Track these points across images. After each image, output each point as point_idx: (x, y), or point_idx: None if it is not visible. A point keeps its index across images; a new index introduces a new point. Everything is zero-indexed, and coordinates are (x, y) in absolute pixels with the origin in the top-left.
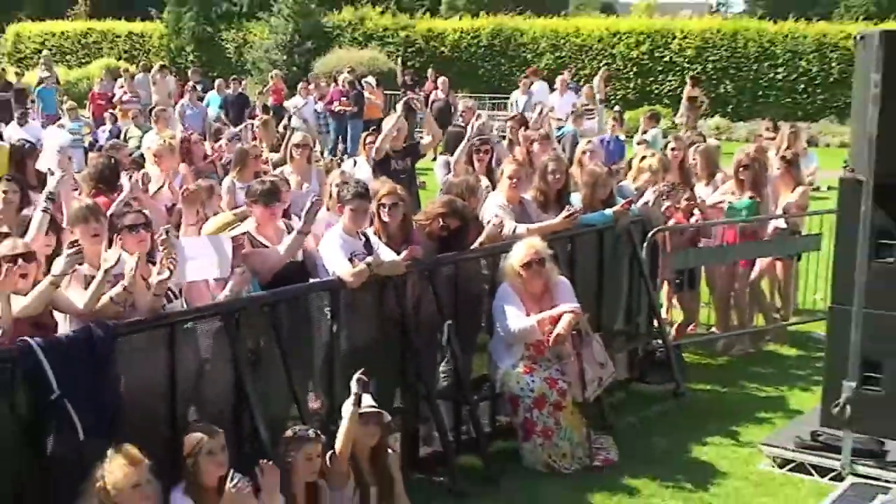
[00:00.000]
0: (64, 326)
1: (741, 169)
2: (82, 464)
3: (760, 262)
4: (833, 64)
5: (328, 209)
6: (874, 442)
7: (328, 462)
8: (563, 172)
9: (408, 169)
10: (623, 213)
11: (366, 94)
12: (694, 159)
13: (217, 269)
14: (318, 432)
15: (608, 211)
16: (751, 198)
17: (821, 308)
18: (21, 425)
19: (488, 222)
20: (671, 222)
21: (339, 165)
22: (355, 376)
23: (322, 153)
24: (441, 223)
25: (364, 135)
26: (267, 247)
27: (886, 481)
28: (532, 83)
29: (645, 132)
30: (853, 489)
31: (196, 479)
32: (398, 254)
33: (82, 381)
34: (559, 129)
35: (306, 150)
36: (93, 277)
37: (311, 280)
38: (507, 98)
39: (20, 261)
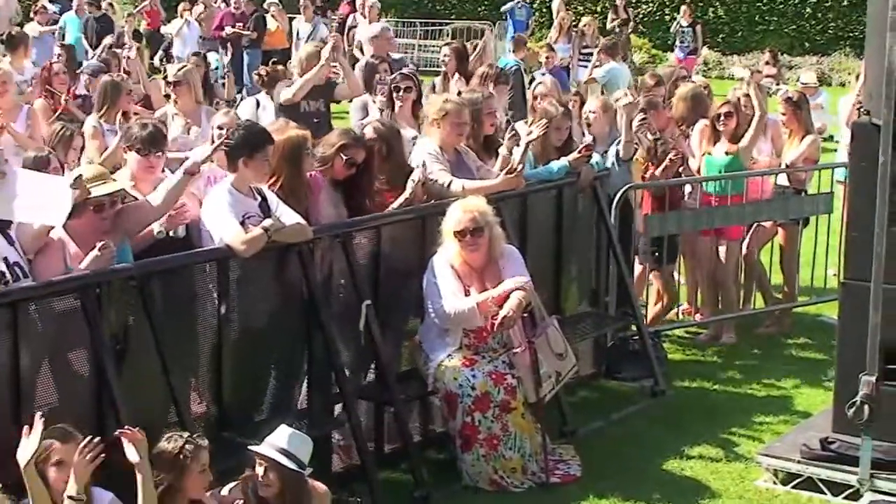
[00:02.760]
0: None
1: (723, 117)
2: None
3: (757, 230)
4: None
5: (212, 161)
6: None
7: None
8: (497, 113)
9: (321, 112)
10: (583, 163)
11: (269, 18)
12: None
13: (52, 214)
14: (204, 439)
15: (563, 160)
16: (728, 152)
17: (833, 286)
18: None
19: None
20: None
21: (234, 106)
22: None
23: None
24: (344, 158)
25: (265, 70)
26: None
27: None
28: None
29: (598, 66)
30: None
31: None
32: (304, 216)
33: None
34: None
35: (187, 86)
36: None
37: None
38: (442, 24)
39: None
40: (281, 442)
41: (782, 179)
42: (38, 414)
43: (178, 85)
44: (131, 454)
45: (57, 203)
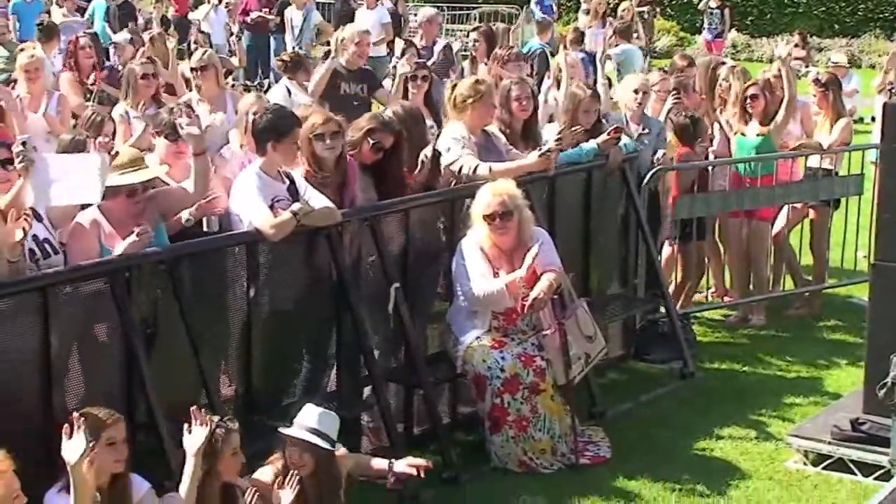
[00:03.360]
0: None
1: (749, 99)
2: None
3: (787, 212)
4: None
5: (242, 145)
6: None
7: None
8: (530, 98)
9: (362, 97)
10: (612, 145)
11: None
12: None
13: (87, 192)
14: (235, 422)
15: (592, 142)
16: (759, 133)
17: (863, 268)
18: None
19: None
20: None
21: (262, 90)
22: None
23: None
24: (371, 143)
25: (287, 55)
26: None
27: None
28: None
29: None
30: None
31: None
32: (334, 200)
33: None
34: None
35: (212, 71)
36: None
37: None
38: (469, 9)
39: None
40: (311, 422)
41: (813, 161)
42: (77, 413)
43: (204, 70)
44: (191, 444)
45: (90, 180)
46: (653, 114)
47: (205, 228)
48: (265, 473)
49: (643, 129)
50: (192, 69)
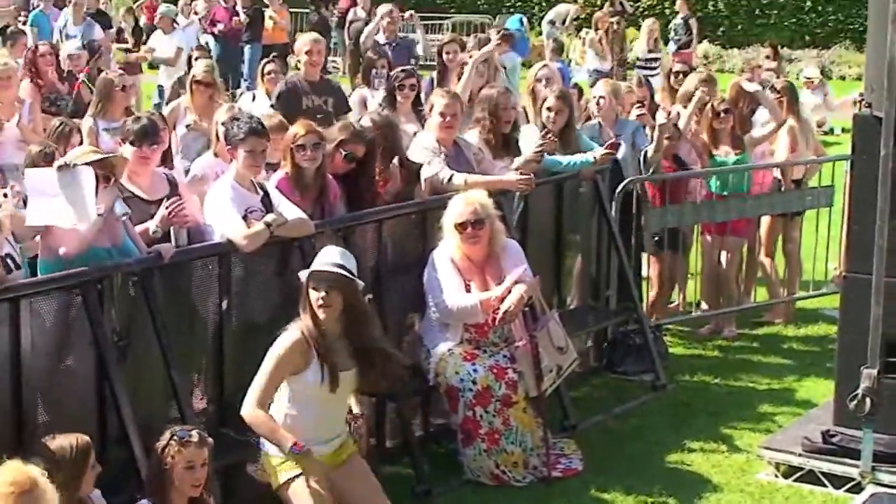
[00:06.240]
0: None
1: (719, 116)
2: None
3: (767, 226)
4: None
5: (216, 154)
6: None
7: None
8: (515, 108)
9: (325, 110)
10: (608, 160)
11: (268, 13)
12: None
13: (73, 213)
14: (205, 435)
15: (589, 155)
16: (737, 153)
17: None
18: None
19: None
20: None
21: (234, 100)
22: None
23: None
24: (343, 153)
25: (263, 62)
26: (140, 198)
27: None
28: None
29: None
30: (875, 501)
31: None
32: (309, 213)
33: None
34: None
35: (209, 88)
36: None
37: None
38: (442, 18)
39: None
40: (335, 258)
41: (775, 172)
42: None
43: (200, 86)
44: None
45: (82, 198)
46: None
47: (172, 242)
48: (289, 338)
49: (618, 134)
50: (195, 82)
